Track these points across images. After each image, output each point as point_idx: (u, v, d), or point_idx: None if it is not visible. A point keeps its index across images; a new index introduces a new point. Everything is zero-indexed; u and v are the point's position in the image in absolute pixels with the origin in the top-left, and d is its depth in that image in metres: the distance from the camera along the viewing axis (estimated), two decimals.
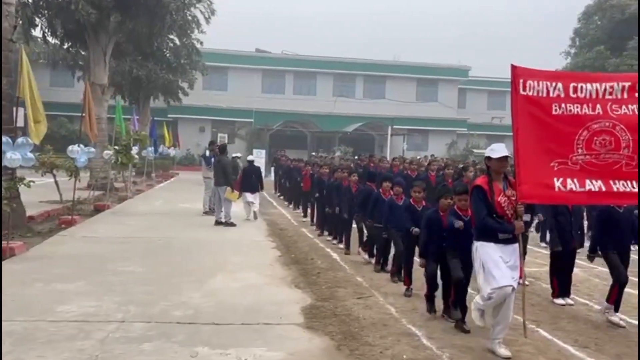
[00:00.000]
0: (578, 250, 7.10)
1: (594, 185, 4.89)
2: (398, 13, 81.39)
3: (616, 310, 5.90)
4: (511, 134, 4.98)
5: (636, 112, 4.92)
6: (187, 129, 36.33)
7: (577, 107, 4.95)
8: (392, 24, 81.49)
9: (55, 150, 14.18)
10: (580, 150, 4.91)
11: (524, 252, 7.57)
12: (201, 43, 28.11)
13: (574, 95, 4.97)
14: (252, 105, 36.61)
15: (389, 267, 7.71)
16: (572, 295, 6.80)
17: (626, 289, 6.03)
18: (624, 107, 4.95)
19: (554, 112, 4.93)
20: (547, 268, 7.68)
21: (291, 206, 16.57)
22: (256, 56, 39.54)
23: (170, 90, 28.21)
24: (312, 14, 79.01)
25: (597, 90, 4.98)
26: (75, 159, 11.68)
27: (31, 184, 9.33)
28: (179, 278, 7.06)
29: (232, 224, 11.81)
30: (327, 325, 5.36)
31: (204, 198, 14.08)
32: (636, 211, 5.99)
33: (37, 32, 19.30)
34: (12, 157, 7.98)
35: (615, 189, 4.87)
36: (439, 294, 5.91)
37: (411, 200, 6.84)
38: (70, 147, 11.76)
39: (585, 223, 7.68)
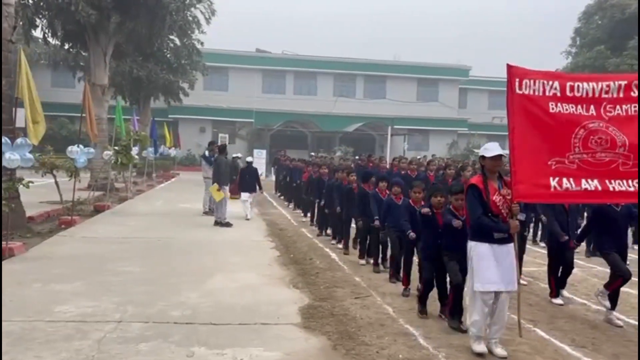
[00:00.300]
0: (577, 250, 7.11)
1: (590, 184, 4.89)
2: (398, 13, 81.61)
3: (613, 305, 5.90)
4: None
5: (630, 112, 4.93)
6: (188, 129, 36.39)
7: (572, 107, 4.96)
8: (392, 24, 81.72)
9: (56, 150, 14.19)
10: (577, 149, 4.91)
11: (522, 252, 7.65)
12: (201, 43, 28.14)
13: (570, 95, 4.97)
14: (252, 105, 36.66)
15: (388, 264, 7.72)
16: (570, 295, 6.80)
17: (626, 289, 6.04)
18: (618, 107, 4.96)
19: (550, 111, 4.93)
20: (545, 268, 7.70)
21: (291, 206, 16.58)
22: (256, 56, 39.59)
23: (171, 91, 28.25)
24: (312, 14, 79.22)
25: (593, 89, 4.98)
26: (74, 160, 11.70)
27: (31, 184, 9.36)
28: (177, 278, 7.07)
29: (228, 224, 11.81)
30: (324, 325, 5.37)
31: (204, 198, 14.10)
32: (635, 209, 5.99)
33: (37, 33, 19.36)
34: (10, 157, 8.00)
35: (611, 188, 4.88)
36: (432, 294, 5.91)
37: (410, 200, 6.84)
38: (69, 148, 11.78)
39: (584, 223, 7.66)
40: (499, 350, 4.77)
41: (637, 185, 4.83)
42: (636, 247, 10.22)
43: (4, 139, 8.08)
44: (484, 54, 62.75)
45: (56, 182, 12.51)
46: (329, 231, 10.96)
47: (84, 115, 12.82)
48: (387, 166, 14.77)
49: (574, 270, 7.01)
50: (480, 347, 4.72)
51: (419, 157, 22.59)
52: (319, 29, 77.65)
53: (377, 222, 7.78)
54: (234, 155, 17.87)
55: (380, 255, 8.11)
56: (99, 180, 17.08)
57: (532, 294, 7.04)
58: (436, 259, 5.66)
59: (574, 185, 4.86)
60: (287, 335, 5.07)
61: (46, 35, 18.83)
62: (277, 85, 39.28)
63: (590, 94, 4.99)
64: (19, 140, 8.31)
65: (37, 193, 12.69)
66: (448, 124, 40.16)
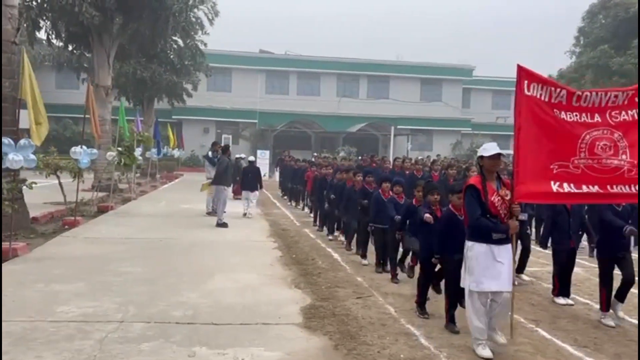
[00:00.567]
0: (582, 246, 7.08)
1: (591, 189, 4.90)
2: (397, 13, 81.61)
3: (607, 309, 5.89)
4: None
5: (636, 117, 4.92)
6: (191, 130, 36.47)
7: (576, 116, 4.97)
8: (390, 24, 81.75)
9: (60, 151, 14.25)
10: (583, 154, 4.91)
11: (527, 251, 7.63)
12: (205, 44, 28.21)
13: (576, 104, 4.99)
14: (255, 106, 36.71)
15: (389, 265, 7.72)
16: (572, 295, 6.77)
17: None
18: (623, 113, 4.97)
19: (555, 115, 4.93)
20: (549, 268, 7.67)
21: (294, 206, 16.59)
22: (260, 57, 39.67)
23: (174, 92, 28.32)
24: (312, 14, 79.33)
25: (601, 99, 5.00)
26: (78, 161, 11.74)
27: (35, 185, 9.41)
28: (179, 278, 7.09)
29: (225, 225, 11.81)
30: (326, 325, 5.37)
31: (207, 199, 14.12)
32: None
33: (41, 35, 19.45)
34: (14, 158, 8.03)
35: (612, 191, 4.88)
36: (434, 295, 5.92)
37: (414, 200, 6.84)
38: (73, 149, 11.82)
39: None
40: (499, 337, 4.79)
41: (638, 188, 4.81)
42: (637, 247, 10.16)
43: (8, 140, 8.12)
44: (483, 54, 62.78)
45: (60, 183, 12.58)
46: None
47: (87, 116, 12.87)
48: (390, 166, 14.75)
49: (576, 270, 6.98)
50: (486, 352, 4.70)
51: (421, 157, 22.57)
52: (318, 29, 77.92)
53: (397, 234, 7.70)
54: (237, 155, 17.98)
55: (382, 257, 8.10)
56: (102, 181, 17.13)
57: (534, 293, 7.02)
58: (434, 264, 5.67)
59: (574, 189, 4.87)
60: (289, 335, 5.07)
61: (50, 36, 18.93)
62: (280, 85, 39.33)
63: (597, 104, 5.00)
64: (22, 142, 8.34)
65: (41, 194, 12.75)
66: (451, 124, 40.10)
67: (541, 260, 9.00)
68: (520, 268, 7.51)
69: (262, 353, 4.60)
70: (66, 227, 10.94)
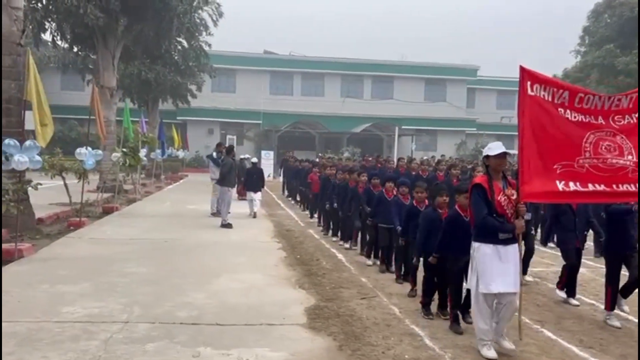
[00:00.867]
0: (586, 247, 7.05)
1: (597, 188, 4.87)
2: (396, 13, 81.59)
3: (612, 308, 5.86)
4: None
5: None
6: (196, 131, 36.55)
7: (580, 116, 4.95)
8: (389, 24, 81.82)
9: (66, 152, 14.31)
10: (587, 154, 4.90)
11: (531, 251, 7.60)
12: (209, 45, 28.27)
13: (579, 106, 4.98)
14: (260, 106, 36.76)
15: (394, 266, 7.71)
16: (577, 296, 6.74)
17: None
18: (627, 117, 4.97)
19: (560, 114, 4.92)
20: (554, 268, 7.66)
21: (298, 207, 16.59)
22: (264, 58, 39.70)
23: (179, 93, 28.39)
24: (312, 14, 79.44)
25: (603, 102, 4.99)
26: (83, 162, 11.78)
27: (40, 186, 9.43)
28: (183, 279, 7.10)
29: (229, 225, 11.82)
30: (330, 326, 5.36)
31: (212, 200, 14.14)
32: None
33: (46, 36, 19.53)
34: (20, 159, 8.06)
35: (618, 190, 4.85)
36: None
37: (414, 201, 6.83)
38: (78, 150, 11.86)
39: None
40: (507, 344, 4.76)
41: (638, 187, 4.80)
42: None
43: (13, 142, 8.16)
44: (483, 54, 62.71)
45: (65, 184, 12.60)
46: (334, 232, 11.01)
47: (92, 117, 12.92)
48: (394, 166, 14.74)
49: (582, 270, 6.95)
50: (491, 353, 4.69)
51: (426, 157, 22.55)
52: (318, 29, 78.11)
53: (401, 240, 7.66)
54: (242, 156, 18.04)
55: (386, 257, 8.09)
56: (107, 182, 17.19)
57: (539, 294, 7.00)
58: (440, 262, 5.64)
59: (580, 188, 4.85)
60: (293, 336, 5.07)
61: (55, 38, 19.01)
62: (284, 86, 39.36)
63: (599, 107, 4.98)
64: (27, 143, 8.38)
65: (47, 195, 12.80)
66: (456, 124, 40.03)
67: (546, 261, 8.97)
68: (523, 269, 7.48)
69: (266, 353, 4.60)
70: (71, 228, 10.99)
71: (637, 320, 5.86)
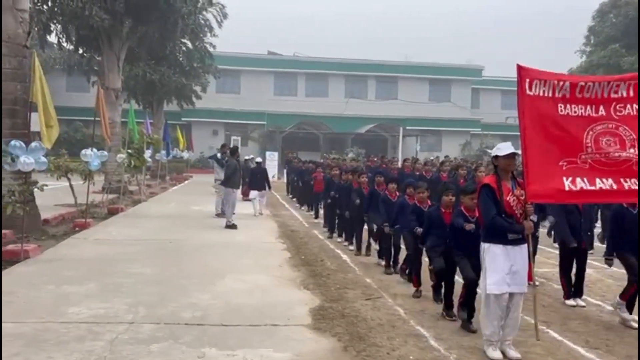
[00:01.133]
0: (590, 251, 7.01)
1: (605, 183, 4.83)
2: (397, 13, 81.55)
3: (630, 311, 5.81)
4: None
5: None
6: (201, 132, 36.62)
7: (581, 109, 4.92)
8: (390, 24, 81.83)
9: (71, 154, 14.37)
10: (589, 149, 4.87)
11: (533, 253, 7.55)
12: (214, 47, 28.33)
13: (580, 96, 4.94)
14: (264, 107, 36.80)
15: (399, 267, 7.71)
16: (584, 297, 6.71)
17: None
18: (628, 106, 4.92)
19: (560, 112, 4.90)
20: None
21: (303, 208, 16.59)
22: (268, 59, 39.75)
23: (184, 94, 28.47)
24: (312, 14, 79.50)
25: (603, 88, 4.94)
26: (88, 163, 11.83)
27: (46, 187, 9.48)
28: (188, 279, 7.11)
29: (234, 226, 11.83)
30: (335, 327, 5.36)
31: (216, 200, 14.17)
32: None
33: (52, 38, 19.63)
34: (25, 161, 8.10)
35: (626, 187, 4.81)
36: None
37: (416, 200, 6.82)
38: (83, 151, 11.91)
39: (598, 224, 7.55)
40: (513, 353, 4.71)
41: (638, 185, 4.76)
42: None
43: (19, 143, 8.20)
44: (482, 53, 62.68)
45: (71, 185, 12.67)
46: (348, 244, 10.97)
47: (98, 119, 12.96)
48: (399, 166, 14.73)
49: (588, 271, 6.92)
50: (496, 354, 4.67)
51: (431, 158, 22.51)
52: (319, 30, 78.17)
53: (387, 229, 7.70)
54: (246, 157, 18.08)
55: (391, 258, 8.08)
56: (112, 183, 17.22)
57: (545, 295, 6.97)
58: (445, 255, 5.62)
59: (588, 185, 4.80)
60: (298, 337, 5.07)
61: (60, 40, 19.10)
62: (288, 87, 39.39)
63: (600, 95, 4.95)
64: (33, 144, 8.42)
65: (52, 196, 12.83)
66: (461, 125, 39.94)
67: (551, 261, 8.93)
68: None
69: (271, 354, 4.60)
70: (77, 228, 11.03)
71: None
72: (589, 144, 4.88)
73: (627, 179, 4.82)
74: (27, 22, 10.31)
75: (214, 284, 6.94)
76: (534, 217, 5.60)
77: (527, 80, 4.89)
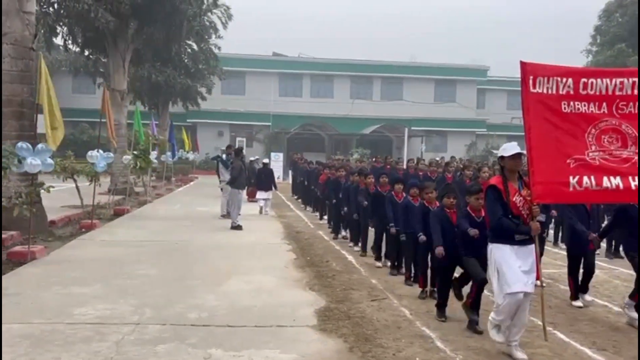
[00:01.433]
0: (597, 252, 6.97)
1: (612, 183, 4.78)
2: (397, 14, 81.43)
3: (639, 311, 5.77)
4: None
5: None
6: (206, 133, 36.68)
7: (584, 106, 4.89)
8: (390, 24, 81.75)
9: (78, 155, 14.44)
10: (594, 147, 4.84)
11: (540, 254, 7.51)
12: (219, 48, 28.39)
13: (584, 92, 4.89)
14: (269, 108, 36.83)
15: (403, 269, 7.68)
16: (592, 298, 6.67)
17: None
18: (631, 104, 4.88)
19: (563, 110, 4.86)
20: (566, 269, 7.56)
21: (308, 209, 16.59)
22: (273, 60, 39.75)
23: (189, 96, 28.54)
24: (312, 14, 79.52)
25: (607, 86, 4.90)
26: (95, 164, 11.88)
27: (53, 189, 9.51)
28: (194, 281, 7.12)
29: (239, 227, 11.85)
30: (341, 328, 5.35)
31: (222, 201, 14.19)
32: None
33: (58, 40, 19.74)
34: (32, 162, 8.14)
35: (633, 186, 4.78)
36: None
37: (424, 201, 6.80)
38: (89, 153, 11.96)
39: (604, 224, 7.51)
40: (520, 354, 4.69)
41: (637, 184, 4.73)
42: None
43: (26, 145, 8.24)
44: (482, 53, 62.53)
45: (77, 187, 12.72)
46: (343, 233, 10.99)
47: (103, 120, 13.02)
48: (404, 167, 14.70)
49: (595, 272, 6.87)
50: (499, 337, 4.70)
51: (437, 158, 22.45)
52: (319, 30, 78.16)
53: (392, 229, 7.69)
54: (251, 158, 18.15)
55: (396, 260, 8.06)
56: (118, 185, 17.31)
57: (552, 296, 6.94)
58: (451, 264, 5.60)
59: (594, 184, 4.76)
60: (303, 338, 5.07)
61: (66, 42, 19.22)
62: (293, 88, 39.38)
63: (604, 92, 4.91)
64: (40, 146, 8.46)
65: (59, 197, 12.91)
66: (466, 125, 39.82)
67: (558, 262, 8.90)
68: None
69: (277, 355, 4.60)
70: (83, 230, 11.07)
71: None
72: (592, 142, 4.85)
73: (635, 177, 4.79)
74: (33, 25, 10.37)
75: (219, 285, 6.95)
76: (542, 218, 5.57)
77: (531, 77, 4.85)
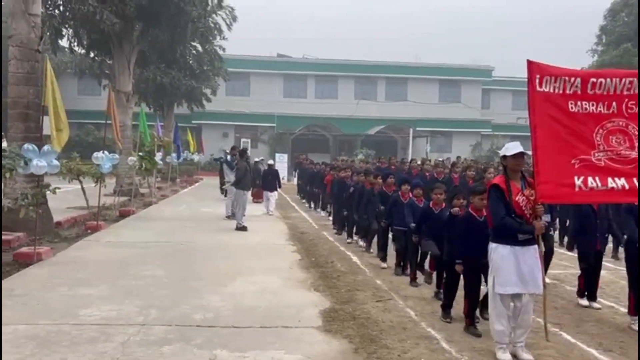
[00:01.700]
0: (605, 253, 6.93)
1: (617, 183, 4.76)
2: (394, 13, 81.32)
3: None
4: None
5: None
6: (211, 134, 36.77)
7: (592, 105, 4.86)
8: (389, 25, 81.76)
9: (83, 157, 14.49)
10: (601, 147, 4.81)
11: (550, 254, 7.47)
12: (223, 49, 28.43)
13: (592, 92, 4.87)
14: (274, 109, 36.86)
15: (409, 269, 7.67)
16: (598, 299, 6.63)
17: None
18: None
19: (570, 110, 4.84)
20: (572, 270, 7.54)
21: (313, 209, 16.60)
22: (277, 61, 39.79)
23: (194, 97, 28.60)
24: (312, 14, 79.55)
25: (616, 85, 4.87)
26: (100, 166, 11.92)
27: (59, 190, 9.56)
28: (199, 282, 7.13)
29: (244, 228, 11.86)
30: (346, 329, 5.35)
31: (227, 202, 14.22)
32: None
33: (64, 42, 19.83)
34: (38, 164, 8.18)
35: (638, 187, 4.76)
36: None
37: (431, 203, 6.79)
38: (95, 154, 12.00)
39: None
40: (525, 355, 4.68)
41: (637, 184, 4.71)
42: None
43: (32, 147, 8.28)
44: (483, 55, 62.41)
45: (82, 188, 12.76)
46: (354, 238, 10.96)
47: (109, 122, 13.07)
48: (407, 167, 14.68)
49: (602, 273, 6.83)
50: (506, 356, 4.64)
51: (441, 159, 22.40)
52: (319, 30, 78.20)
53: (414, 237, 7.37)
54: (256, 159, 18.19)
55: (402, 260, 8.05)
56: (124, 186, 17.36)
57: (558, 296, 6.91)
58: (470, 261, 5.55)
59: (600, 185, 4.74)
60: (308, 339, 5.06)
61: (72, 44, 19.32)
62: (298, 89, 39.41)
63: (612, 91, 4.88)
64: (45, 147, 8.49)
65: (64, 199, 12.97)
66: (471, 125, 39.73)
67: (564, 263, 8.86)
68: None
69: (282, 356, 4.60)
70: (89, 231, 11.11)
71: None
72: (600, 142, 4.82)
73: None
74: (39, 27, 10.42)
75: (224, 285, 6.96)
76: (547, 217, 5.55)
77: (538, 76, 4.82)
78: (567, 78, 4.85)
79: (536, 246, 4.71)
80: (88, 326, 5.20)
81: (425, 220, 6.68)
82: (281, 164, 29.06)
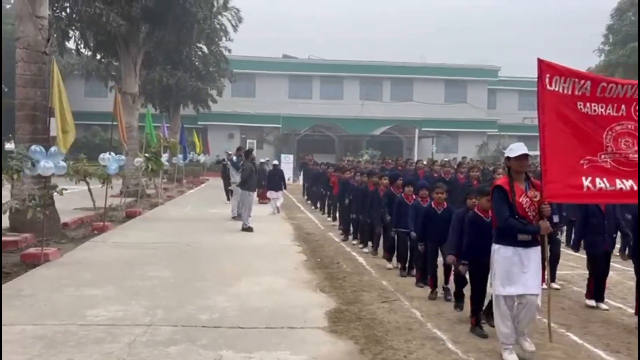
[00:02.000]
0: (616, 253, 6.89)
1: (625, 184, 4.74)
2: (394, 12, 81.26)
3: None
4: None
5: None
6: (217, 135, 36.88)
7: (601, 107, 4.84)
8: (389, 25, 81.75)
9: (90, 158, 14.57)
10: (609, 149, 4.79)
11: (557, 255, 7.43)
12: (229, 51, 28.51)
13: (600, 95, 4.85)
14: (279, 110, 36.92)
15: (414, 271, 7.66)
16: (605, 300, 6.59)
17: None
18: None
19: (580, 110, 4.82)
20: (579, 271, 7.49)
21: (318, 210, 16.59)
22: (283, 62, 39.86)
23: (199, 98, 28.70)
24: (312, 14, 79.60)
25: (626, 90, 4.86)
26: (107, 167, 11.98)
27: (65, 191, 9.61)
28: (205, 282, 7.15)
29: (250, 229, 11.87)
30: (351, 329, 5.35)
31: (233, 203, 14.24)
32: None
33: (70, 44, 19.96)
34: (45, 165, 8.22)
35: None
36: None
37: (432, 202, 6.77)
38: (101, 155, 12.06)
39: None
40: (527, 345, 4.69)
41: (637, 186, 4.68)
42: None
43: (39, 148, 8.33)
44: (482, 53, 62.26)
45: (89, 189, 12.82)
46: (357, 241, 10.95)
47: (115, 123, 13.13)
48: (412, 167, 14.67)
49: (610, 274, 6.79)
50: (512, 357, 4.63)
51: (447, 159, 22.35)
52: (319, 30, 78.24)
53: (413, 234, 7.43)
54: (262, 160, 18.25)
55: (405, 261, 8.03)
56: (130, 187, 17.43)
57: (565, 297, 6.87)
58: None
59: (608, 185, 4.72)
60: (314, 339, 5.06)
61: (79, 46, 19.42)
62: (303, 90, 39.46)
63: (622, 95, 4.86)
64: (52, 149, 8.54)
65: (71, 200, 13.03)
66: (477, 126, 39.62)
67: (570, 263, 8.81)
68: (551, 276, 7.28)
69: (287, 357, 4.61)
70: (95, 232, 11.16)
71: None
72: (609, 144, 4.80)
73: None
74: (46, 29, 10.49)
75: (230, 286, 6.98)
76: (555, 218, 5.51)
77: (548, 75, 4.79)
78: (576, 80, 4.83)
79: (539, 247, 4.69)
80: (95, 327, 5.23)
81: (427, 221, 6.66)
82: (287, 164, 29.08)
